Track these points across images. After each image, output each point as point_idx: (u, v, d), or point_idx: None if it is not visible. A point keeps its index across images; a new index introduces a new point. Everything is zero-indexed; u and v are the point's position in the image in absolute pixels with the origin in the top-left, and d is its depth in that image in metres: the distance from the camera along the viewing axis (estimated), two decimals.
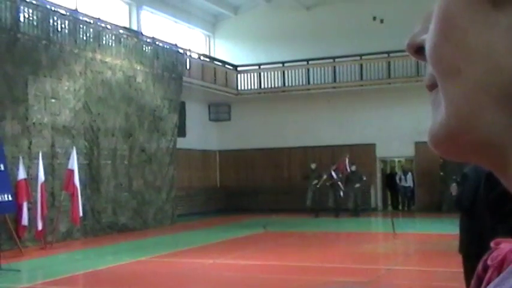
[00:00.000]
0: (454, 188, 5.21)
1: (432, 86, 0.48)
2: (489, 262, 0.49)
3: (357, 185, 20.03)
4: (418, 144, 20.88)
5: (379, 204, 22.77)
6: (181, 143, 19.68)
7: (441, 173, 20.24)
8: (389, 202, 23.51)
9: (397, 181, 22.39)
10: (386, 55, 21.63)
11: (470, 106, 0.44)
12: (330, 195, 20.13)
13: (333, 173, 19.99)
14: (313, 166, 20.67)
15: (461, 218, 5.04)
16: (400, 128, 21.32)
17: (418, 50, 0.49)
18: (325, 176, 19.99)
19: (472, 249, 4.51)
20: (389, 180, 23.17)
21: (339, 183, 19.91)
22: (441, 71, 0.46)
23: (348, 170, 20.14)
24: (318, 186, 19.98)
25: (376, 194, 22.67)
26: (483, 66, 0.43)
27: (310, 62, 22.90)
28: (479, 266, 0.50)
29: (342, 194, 19.93)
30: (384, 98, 21.81)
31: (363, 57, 22.07)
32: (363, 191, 20.54)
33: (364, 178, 20.19)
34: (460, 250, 5.03)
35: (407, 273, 9.57)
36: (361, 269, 9.64)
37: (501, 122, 0.44)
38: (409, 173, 22.16)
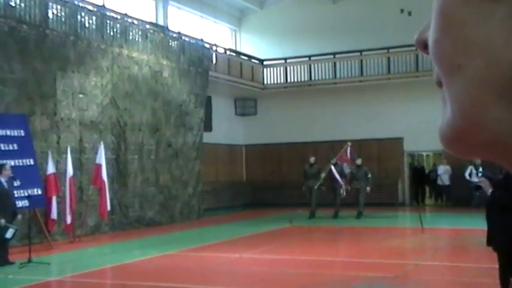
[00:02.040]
0: (486, 184, 5.10)
1: (441, 83, 0.48)
2: None
3: (368, 189, 17.17)
4: (440, 133, 20.54)
5: (407, 198, 22.54)
6: (208, 137, 19.73)
7: (471, 167, 19.92)
8: (420, 197, 23.16)
9: (435, 176, 21.52)
10: (414, 48, 21.28)
11: (473, 103, 0.43)
12: (333, 194, 17.15)
13: (333, 168, 16.89)
14: (311, 160, 17.84)
15: (492, 213, 4.95)
16: (428, 122, 21.00)
17: (427, 46, 0.49)
18: (323, 174, 17.11)
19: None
20: (419, 174, 22.84)
21: (340, 179, 16.86)
22: (443, 67, 0.46)
23: (350, 159, 17.29)
24: (315, 188, 17.06)
25: (404, 189, 22.44)
26: (482, 60, 0.42)
27: (336, 56, 22.74)
28: None
29: (344, 192, 17.03)
30: (411, 91, 21.55)
31: (390, 50, 21.82)
32: (366, 191, 17.25)
33: (369, 175, 17.21)
34: (494, 245, 4.94)
35: (436, 269, 9.45)
36: (389, 263, 9.55)
37: (507, 118, 0.42)
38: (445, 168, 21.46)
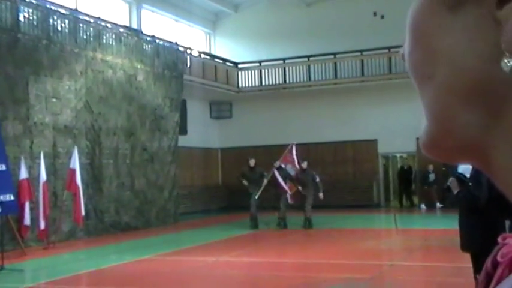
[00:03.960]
0: (454, 184, 5.17)
1: None
2: (499, 259, 0.48)
3: (320, 196, 15.24)
4: (420, 140, 20.81)
5: (382, 200, 22.75)
6: (183, 141, 19.67)
7: (443, 169, 20.21)
8: (401, 199, 23.22)
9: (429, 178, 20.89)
10: (387, 50, 21.59)
11: (443, 110, 0.46)
12: (281, 203, 15.07)
13: (276, 173, 14.98)
14: (251, 163, 15.59)
15: (463, 214, 5.02)
16: (402, 124, 21.24)
17: None
18: (265, 181, 15.11)
19: (487, 247, 4.49)
20: (405, 176, 22.82)
21: (285, 185, 15.00)
22: (416, 77, 0.48)
23: (296, 160, 15.55)
24: (256, 198, 15.07)
25: (379, 190, 22.65)
26: (447, 69, 0.45)
27: (311, 59, 22.88)
28: (488, 263, 0.49)
29: (289, 199, 15.26)
30: (385, 93, 21.77)
31: (364, 53, 22.03)
32: (315, 196, 15.32)
33: (318, 179, 15.18)
34: (465, 247, 5.00)
35: (411, 269, 9.55)
36: (364, 265, 9.63)
37: (475, 124, 0.44)
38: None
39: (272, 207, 15.16)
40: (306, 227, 15.03)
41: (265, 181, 15.05)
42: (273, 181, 14.93)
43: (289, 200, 15.25)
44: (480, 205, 4.62)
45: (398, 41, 20.14)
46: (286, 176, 15.00)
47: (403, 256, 10.89)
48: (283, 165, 15.25)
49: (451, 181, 5.23)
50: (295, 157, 15.62)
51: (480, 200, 4.59)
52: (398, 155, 25.49)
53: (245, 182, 15.21)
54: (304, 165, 15.35)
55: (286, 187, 14.92)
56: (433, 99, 0.47)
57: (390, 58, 21.65)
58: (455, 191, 5.09)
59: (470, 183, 4.82)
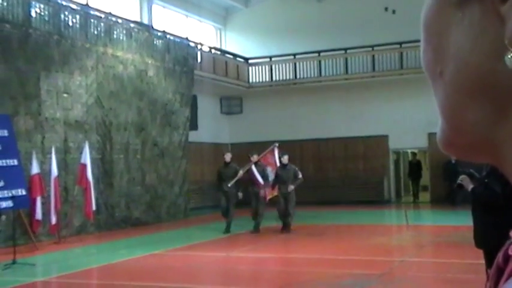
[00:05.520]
0: (466, 181, 5.14)
1: None
2: (511, 252, 0.48)
3: (290, 188, 13.23)
4: (431, 135, 20.75)
5: (393, 196, 22.68)
6: (193, 136, 19.70)
7: (452, 162, 20.09)
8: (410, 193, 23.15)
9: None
10: (398, 46, 21.48)
11: (452, 108, 0.47)
12: (253, 200, 13.57)
13: (254, 169, 13.54)
14: (227, 158, 14.08)
15: (478, 211, 4.97)
16: (413, 119, 21.18)
17: None
18: (241, 172, 13.59)
19: (502, 244, 4.46)
20: (415, 169, 22.69)
21: (262, 181, 13.49)
22: (429, 75, 0.49)
23: (277, 163, 13.94)
24: (229, 186, 13.49)
25: (390, 186, 22.57)
26: (454, 66, 0.45)
27: (321, 54, 22.81)
28: (500, 257, 0.49)
29: (262, 195, 13.57)
30: (396, 89, 21.67)
31: (375, 48, 21.93)
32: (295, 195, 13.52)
33: (300, 176, 13.44)
34: (480, 244, 4.97)
35: (421, 265, 9.52)
36: (375, 261, 9.61)
37: (484, 120, 0.45)
38: None
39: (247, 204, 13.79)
40: (287, 230, 13.29)
41: (240, 172, 13.55)
42: (250, 176, 13.53)
43: (262, 198, 13.53)
44: (500, 201, 4.59)
45: (409, 36, 20.02)
46: (263, 171, 13.55)
47: (414, 252, 10.86)
48: (262, 162, 13.88)
49: (463, 178, 5.20)
50: (276, 159, 14.05)
51: (500, 196, 4.56)
52: (409, 151, 25.39)
53: (225, 188, 13.66)
54: (285, 159, 13.48)
55: (263, 184, 13.41)
56: (443, 96, 0.47)
57: (401, 53, 21.54)
58: (469, 188, 5.05)
59: (486, 180, 4.79)
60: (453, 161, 22.43)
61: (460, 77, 0.45)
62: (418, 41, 0.51)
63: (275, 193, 13.58)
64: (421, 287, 7.63)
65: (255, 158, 13.68)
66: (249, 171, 13.55)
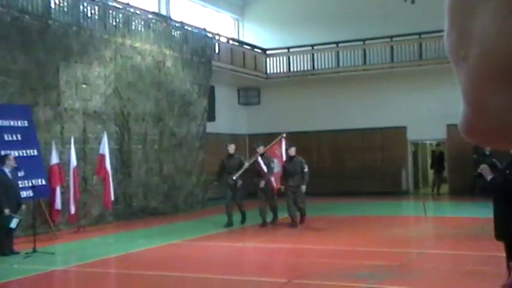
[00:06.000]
0: (486, 170, 5.08)
1: None
2: None
3: (303, 189, 12.71)
4: (450, 127, 20.56)
5: (411, 187, 22.55)
6: (211, 127, 19.73)
7: (474, 156, 19.93)
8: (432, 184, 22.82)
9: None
10: (417, 36, 21.28)
11: (476, 92, 0.45)
12: (260, 194, 13.04)
13: (260, 160, 12.90)
14: (231, 149, 13.49)
15: (499, 203, 4.92)
16: (432, 111, 21.00)
17: None
18: (246, 164, 13.08)
19: None
20: (438, 160, 22.19)
21: (266, 171, 12.85)
22: (452, 58, 0.48)
23: (284, 156, 13.34)
24: (234, 179, 12.92)
25: (408, 177, 22.44)
26: (479, 50, 0.44)
27: (339, 45, 22.67)
28: None
29: (262, 185, 12.96)
30: (415, 80, 21.50)
31: (394, 39, 21.75)
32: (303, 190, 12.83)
33: (306, 170, 12.73)
34: (500, 236, 4.92)
35: (439, 257, 9.47)
36: (392, 252, 9.57)
37: (509, 106, 0.44)
38: None
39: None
40: (293, 225, 12.76)
41: (246, 164, 13.06)
42: (256, 168, 12.94)
43: (275, 191, 13.09)
44: None
45: (429, 27, 19.81)
46: (269, 164, 12.97)
47: (432, 244, 10.80)
48: (268, 154, 13.25)
49: (483, 167, 5.15)
50: (283, 152, 13.40)
51: None
52: (427, 142, 25.21)
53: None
54: (292, 151, 12.93)
55: (271, 178, 12.91)
56: (466, 81, 0.46)
57: (421, 44, 21.33)
58: (488, 177, 5.01)
59: (508, 171, 4.73)
60: (438, 152, 22.32)
61: (485, 61, 0.44)
62: (438, 31, 0.50)
63: (281, 186, 13.09)
64: (439, 279, 7.59)
65: (261, 149, 13.09)
66: (255, 163, 12.95)
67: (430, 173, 24.13)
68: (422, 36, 21.05)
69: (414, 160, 23.43)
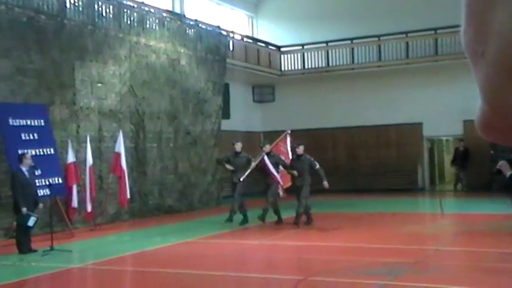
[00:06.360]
0: (505, 167, 5.04)
1: None
2: None
3: (325, 185, 12.46)
4: (467, 123, 20.39)
5: (427, 184, 22.41)
6: (226, 124, 19.75)
7: (491, 152, 19.75)
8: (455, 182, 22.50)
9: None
10: (433, 32, 21.11)
11: (493, 89, 0.45)
12: (269, 193, 12.77)
13: (266, 159, 12.59)
14: (237, 147, 13.11)
15: None
16: (448, 107, 20.85)
17: None
18: (253, 164, 12.77)
19: None
20: (463, 157, 21.33)
21: (276, 174, 12.64)
22: (469, 55, 0.48)
23: (290, 153, 13.17)
24: (241, 180, 12.71)
25: (424, 174, 22.30)
26: (498, 45, 0.44)
27: (354, 41, 22.57)
28: None
29: (281, 192, 13.08)
30: (430, 76, 21.35)
31: (409, 34, 21.60)
32: (324, 186, 12.55)
33: (317, 167, 12.51)
34: None
35: (456, 254, 9.40)
36: (408, 249, 9.51)
37: None
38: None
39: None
40: (297, 222, 12.53)
41: (252, 164, 12.73)
42: (262, 167, 12.66)
43: (281, 193, 13.08)
44: None
45: (445, 22, 19.63)
46: (277, 162, 12.72)
47: (449, 241, 10.72)
48: (274, 152, 12.97)
49: (502, 164, 5.10)
50: (289, 148, 13.21)
51: None
52: (444, 138, 25.04)
53: (229, 167, 13.10)
54: (300, 150, 12.68)
55: (277, 176, 12.64)
56: (484, 77, 0.45)
57: (436, 39, 21.16)
58: (508, 174, 4.96)
59: None
60: (461, 148, 21.92)
61: (503, 57, 0.43)
62: (454, 26, 0.50)
63: (288, 183, 12.89)
64: (456, 276, 7.53)
65: (267, 148, 12.80)
66: (262, 162, 12.64)
67: (449, 169, 23.92)
68: (438, 31, 20.87)
69: (430, 156, 23.28)
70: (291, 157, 13.10)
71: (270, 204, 12.81)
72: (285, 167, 12.82)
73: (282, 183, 12.80)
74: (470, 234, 11.32)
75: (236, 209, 12.90)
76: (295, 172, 12.46)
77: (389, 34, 21.75)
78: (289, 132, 13.56)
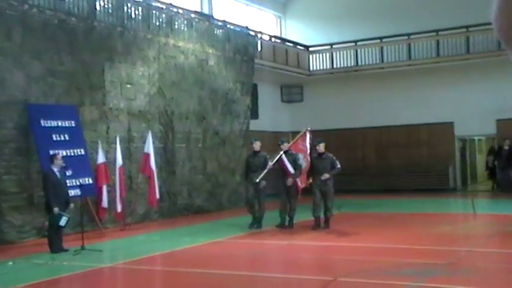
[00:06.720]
0: None
1: None
2: None
3: (324, 176, 11.86)
4: (500, 122, 20.05)
5: (458, 184, 22.07)
6: (254, 125, 19.74)
7: None
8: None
9: None
10: (465, 30, 20.77)
11: None
12: (282, 193, 12.37)
13: (284, 158, 12.17)
14: (256, 146, 12.82)
15: None
16: (481, 106, 20.51)
17: None
18: (270, 164, 12.36)
19: None
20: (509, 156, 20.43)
21: (293, 171, 12.09)
22: (502, 39, 0.51)
23: (308, 151, 12.54)
24: (257, 181, 12.34)
25: (455, 174, 21.97)
26: None
27: (383, 40, 22.36)
28: None
29: (289, 183, 12.17)
30: (462, 74, 21.04)
31: (440, 32, 21.30)
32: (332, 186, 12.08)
33: (339, 166, 11.97)
34: None
35: (489, 255, 9.21)
36: (440, 250, 9.36)
37: None
38: None
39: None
40: (318, 227, 12.03)
41: (270, 164, 12.31)
42: (280, 166, 12.20)
43: (299, 191, 12.43)
44: None
45: (476, 19, 19.35)
46: (294, 161, 12.15)
47: (481, 242, 10.52)
48: (292, 150, 12.42)
49: None
50: (308, 145, 12.58)
51: None
52: (476, 138, 24.65)
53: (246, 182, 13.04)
54: (321, 148, 12.06)
55: (292, 173, 12.10)
56: None
57: (468, 37, 20.81)
58: None
59: None
60: (506, 147, 21.36)
61: None
62: (486, 24, 0.48)
63: (308, 182, 12.36)
64: (489, 277, 7.37)
65: (285, 146, 12.33)
66: (280, 161, 12.18)
67: (481, 168, 23.48)
68: (469, 29, 20.54)
69: (462, 156, 22.92)
70: (309, 158, 12.41)
71: (292, 211, 12.31)
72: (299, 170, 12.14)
73: (299, 183, 12.28)
74: (503, 236, 11.10)
75: (261, 211, 12.62)
76: (308, 184, 12.08)
77: (420, 32, 21.49)
78: (309, 129, 12.98)
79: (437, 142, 21.86)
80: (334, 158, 12.04)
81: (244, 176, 13.52)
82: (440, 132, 21.71)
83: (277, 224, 12.36)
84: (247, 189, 12.82)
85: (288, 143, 12.61)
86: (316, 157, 12.14)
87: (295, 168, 12.07)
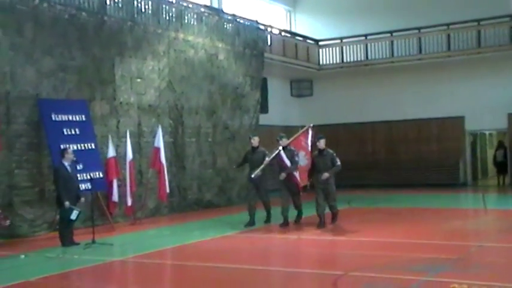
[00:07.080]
0: None
1: None
2: None
3: (324, 175, 11.50)
4: (511, 116, 19.92)
5: (469, 179, 21.97)
6: (264, 119, 19.73)
7: None
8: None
9: None
10: (476, 23, 20.62)
11: None
12: (283, 190, 12.07)
13: (283, 154, 11.77)
14: (254, 142, 12.56)
15: None
16: (492, 100, 20.39)
17: None
18: (267, 159, 12.02)
19: None
20: None
21: (294, 170, 11.78)
22: None
23: (309, 148, 12.12)
24: (253, 176, 12.12)
25: (466, 169, 21.87)
26: None
27: (394, 34, 22.25)
28: None
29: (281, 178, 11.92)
30: (473, 68, 20.91)
31: (451, 26, 21.16)
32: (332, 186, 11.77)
33: (338, 163, 11.55)
34: None
35: (501, 250, 9.17)
36: (450, 245, 9.33)
37: None
38: None
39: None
40: (321, 226, 11.61)
41: (266, 159, 11.97)
42: (279, 162, 11.87)
43: (299, 188, 12.05)
44: None
45: (488, 13, 19.25)
46: (292, 157, 11.76)
47: (492, 237, 10.47)
48: (292, 147, 11.99)
49: None
50: (309, 143, 12.15)
51: None
52: (487, 133, 24.51)
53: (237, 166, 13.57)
54: (321, 144, 11.66)
55: (295, 173, 11.79)
56: None
57: (479, 31, 20.66)
58: None
59: None
60: None
61: None
62: (497, 17, 0.44)
63: (308, 182, 12.05)
64: (500, 273, 7.33)
65: (284, 142, 11.87)
66: (277, 157, 11.82)
67: (491, 163, 23.38)
68: (481, 23, 20.39)
69: (473, 151, 22.81)
70: (309, 149, 12.08)
71: (298, 207, 12.29)
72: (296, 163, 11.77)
73: (299, 179, 11.90)
74: None
75: (267, 206, 12.57)
76: (308, 185, 11.84)
77: (430, 26, 21.36)
78: (312, 125, 12.47)
79: (447, 137, 21.76)
80: (334, 154, 11.68)
81: (236, 166, 13.92)
82: (450, 126, 21.62)
83: (280, 224, 12.07)
84: (249, 189, 12.62)
85: (288, 139, 12.15)
86: (317, 154, 11.77)
87: (291, 163, 11.75)
